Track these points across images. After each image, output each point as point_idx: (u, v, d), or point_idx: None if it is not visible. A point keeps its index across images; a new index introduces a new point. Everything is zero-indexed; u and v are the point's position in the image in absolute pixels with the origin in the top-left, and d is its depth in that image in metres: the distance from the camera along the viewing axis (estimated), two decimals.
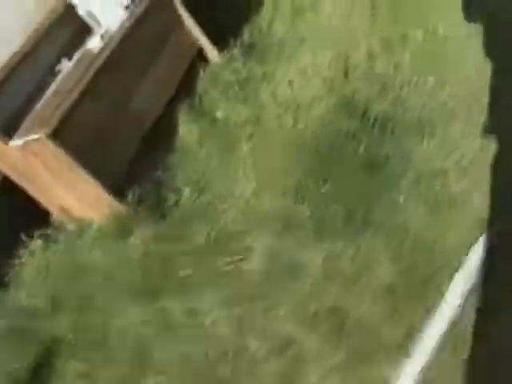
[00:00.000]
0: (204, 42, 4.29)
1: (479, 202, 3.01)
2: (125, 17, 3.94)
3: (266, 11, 4.61)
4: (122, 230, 3.43)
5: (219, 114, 3.99)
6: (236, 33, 4.46)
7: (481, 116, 3.37)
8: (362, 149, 3.42)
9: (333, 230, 3.09)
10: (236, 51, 4.32)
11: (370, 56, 3.96)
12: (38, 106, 3.54)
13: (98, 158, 3.46)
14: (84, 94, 3.54)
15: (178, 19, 4.19)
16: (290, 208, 3.29)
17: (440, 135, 3.37)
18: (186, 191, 3.59)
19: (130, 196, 3.53)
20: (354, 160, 3.38)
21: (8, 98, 3.53)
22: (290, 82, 4.07)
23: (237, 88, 4.10)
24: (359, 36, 4.11)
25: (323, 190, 3.29)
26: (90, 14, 3.94)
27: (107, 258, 3.35)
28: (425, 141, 3.37)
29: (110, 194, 3.47)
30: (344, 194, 3.22)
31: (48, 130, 3.31)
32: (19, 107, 3.55)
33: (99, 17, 3.92)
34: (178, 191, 3.61)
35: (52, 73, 3.76)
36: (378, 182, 3.24)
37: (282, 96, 3.97)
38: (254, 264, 3.11)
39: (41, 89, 3.66)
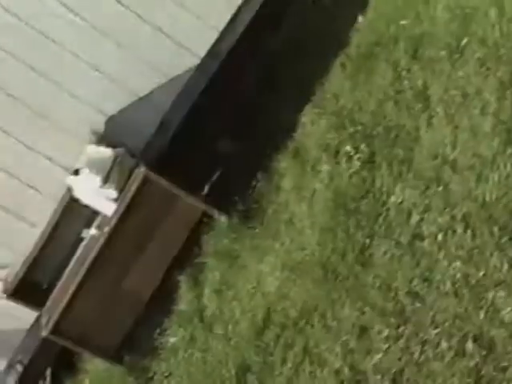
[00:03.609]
0: (206, 208, 4.30)
1: None
2: (115, 207, 4.29)
3: None
4: None
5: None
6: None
7: None
8: None
9: None
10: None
11: None
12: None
13: (96, 338, 4.56)
14: (81, 284, 4.42)
15: (171, 196, 4.24)
16: None
17: None
18: None
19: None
20: None
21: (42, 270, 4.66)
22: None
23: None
24: None
25: None
26: None
27: None
28: None
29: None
30: None
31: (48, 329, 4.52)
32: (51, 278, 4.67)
33: (94, 208, 4.36)
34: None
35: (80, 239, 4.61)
36: None
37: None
38: None
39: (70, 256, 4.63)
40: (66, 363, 4.86)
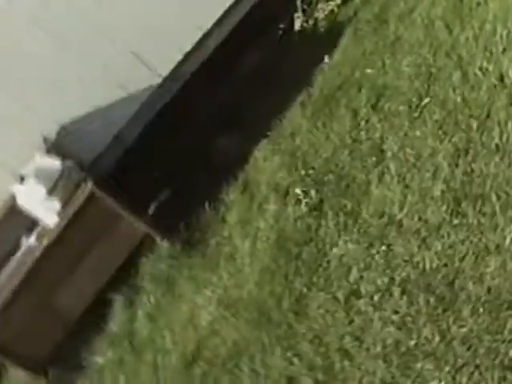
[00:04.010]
0: (148, 231, 4.23)
1: None
2: (57, 220, 4.21)
3: None
4: None
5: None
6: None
7: None
8: None
9: None
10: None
11: None
12: None
13: (21, 348, 4.46)
14: (12, 295, 4.32)
15: (113, 215, 4.18)
16: None
17: None
18: None
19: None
20: None
21: None
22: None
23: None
24: None
25: None
26: None
27: None
28: None
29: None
30: None
31: None
32: None
33: (36, 217, 4.27)
34: None
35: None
36: None
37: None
38: None
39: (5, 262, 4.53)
40: None
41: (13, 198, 4.36)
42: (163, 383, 3.99)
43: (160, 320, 4.27)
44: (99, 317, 4.49)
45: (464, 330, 3.07)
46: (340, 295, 3.57)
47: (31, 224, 4.42)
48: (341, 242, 3.76)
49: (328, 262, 3.75)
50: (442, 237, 3.40)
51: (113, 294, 4.47)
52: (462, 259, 3.27)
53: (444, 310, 3.19)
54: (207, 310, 4.08)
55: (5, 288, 4.31)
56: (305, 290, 3.73)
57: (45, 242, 4.27)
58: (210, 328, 4.00)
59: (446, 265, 3.31)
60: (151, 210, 4.65)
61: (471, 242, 3.29)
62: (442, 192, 3.53)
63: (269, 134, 4.55)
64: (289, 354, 3.57)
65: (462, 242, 3.31)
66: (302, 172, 4.20)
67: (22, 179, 4.19)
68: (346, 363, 3.35)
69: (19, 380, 4.62)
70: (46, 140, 4.45)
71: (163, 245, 4.44)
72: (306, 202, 4.05)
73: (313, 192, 4.07)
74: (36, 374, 4.49)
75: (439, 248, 3.38)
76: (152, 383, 4.03)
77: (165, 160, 4.78)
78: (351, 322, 3.46)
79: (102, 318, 4.49)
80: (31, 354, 4.40)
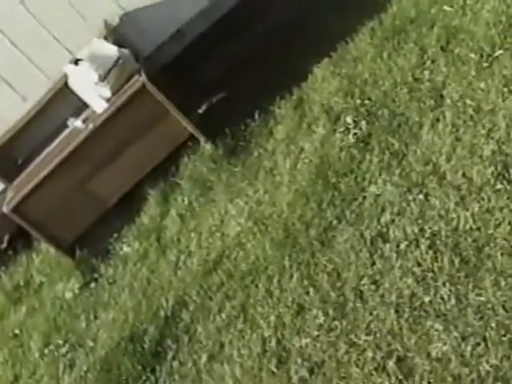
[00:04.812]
0: (194, 131, 4.19)
1: None
2: (105, 107, 4.20)
3: None
4: None
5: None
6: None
7: None
8: None
9: None
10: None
11: None
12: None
13: (53, 227, 4.56)
14: (52, 173, 4.41)
15: (162, 111, 4.14)
16: None
17: None
18: None
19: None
20: None
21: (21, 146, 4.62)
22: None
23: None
24: None
25: None
26: None
27: None
28: None
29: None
30: None
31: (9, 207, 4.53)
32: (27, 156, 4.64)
33: (85, 101, 4.26)
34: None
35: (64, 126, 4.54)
36: None
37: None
38: None
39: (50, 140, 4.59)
40: (25, 236, 4.90)
41: (64, 79, 4.35)
42: (181, 284, 4.04)
43: (190, 222, 4.31)
44: (132, 208, 4.55)
45: (481, 299, 3.01)
46: (367, 234, 3.53)
47: (79, 107, 4.44)
48: (380, 181, 3.69)
49: (364, 198, 3.68)
50: (482, 199, 3.29)
51: (149, 189, 4.51)
52: (496, 227, 3.17)
53: (466, 275, 3.13)
54: (237, 220, 4.09)
55: (45, 166, 4.37)
56: (335, 221, 3.70)
57: (91, 126, 4.28)
58: (236, 240, 4.01)
59: (479, 229, 3.22)
60: (201, 111, 4.60)
61: (510, 210, 3.19)
62: (493, 152, 3.40)
63: (332, 54, 4.41)
64: (306, 283, 3.57)
65: (501, 209, 3.20)
66: (358, 101, 4.09)
67: (76, 61, 4.17)
68: (359, 304, 3.34)
69: (48, 253, 4.77)
70: (107, 25, 4.40)
71: (206, 147, 4.42)
72: (355, 133, 3.96)
73: (363, 123, 3.97)
74: (64, 253, 4.60)
75: (476, 210, 3.28)
76: (170, 282, 4.09)
77: (222, 63, 4.69)
78: (373, 264, 3.43)
79: (135, 210, 4.54)
80: (61, 233, 4.51)
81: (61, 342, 4.28)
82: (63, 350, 4.22)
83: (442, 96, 3.79)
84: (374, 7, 4.42)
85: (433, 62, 3.96)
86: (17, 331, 4.59)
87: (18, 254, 5.00)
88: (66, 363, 4.15)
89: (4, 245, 5.04)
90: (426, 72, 3.94)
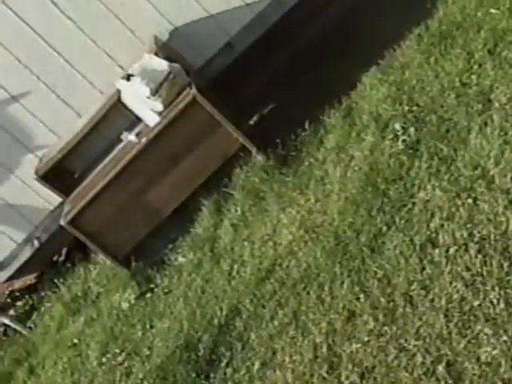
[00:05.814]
0: (245, 142, 4.26)
1: None
2: (158, 120, 4.30)
3: None
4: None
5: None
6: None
7: None
8: None
9: None
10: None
11: None
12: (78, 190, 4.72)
13: (109, 239, 4.67)
14: (108, 186, 4.51)
15: (213, 123, 4.22)
16: None
17: None
18: None
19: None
20: None
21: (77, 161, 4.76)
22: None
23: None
24: None
25: None
26: None
27: None
28: None
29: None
30: None
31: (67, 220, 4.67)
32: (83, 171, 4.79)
33: (138, 115, 4.37)
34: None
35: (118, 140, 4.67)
36: None
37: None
38: None
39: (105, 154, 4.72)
40: (82, 249, 5.04)
41: (117, 94, 4.47)
42: (234, 293, 4.10)
43: (243, 231, 4.37)
44: (186, 219, 4.64)
45: None
46: (417, 240, 3.53)
47: (132, 121, 4.55)
48: (429, 187, 3.69)
49: (413, 204, 3.69)
50: None
51: (203, 200, 4.59)
52: None
53: None
54: (289, 229, 4.13)
55: (101, 179, 4.49)
56: (385, 228, 3.71)
57: (144, 139, 4.39)
58: (289, 248, 4.05)
59: None
60: (252, 122, 4.67)
61: None
62: None
63: (380, 62, 4.43)
64: (356, 289, 3.59)
65: None
66: (406, 107, 4.10)
67: (128, 77, 4.29)
68: (408, 310, 3.35)
69: (105, 265, 4.89)
70: (157, 40, 4.50)
71: (258, 158, 4.48)
72: (404, 140, 3.97)
73: (412, 130, 3.98)
74: (120, 264, 4.72)
75: None
76: (223, 291, 4.16)
77: (272, 74, 4.75)
78: (422, 269, 3.43)
79: (189, 221, 4.63)
80: (117, 244, 4.62)
81: (118, 350, 4.39)
82: (120, 359, 4.34)
83: (489, 100, 3.78)
84: (421, 13, 4.43)
85: (480, 65, 3.94)
86: (75, 341, 4.73)
87: (75, 266, 5.15)
88: (122, 371, 4.26)
89: (62, 257, 5.18)
90: (474, 76, 3.93)
